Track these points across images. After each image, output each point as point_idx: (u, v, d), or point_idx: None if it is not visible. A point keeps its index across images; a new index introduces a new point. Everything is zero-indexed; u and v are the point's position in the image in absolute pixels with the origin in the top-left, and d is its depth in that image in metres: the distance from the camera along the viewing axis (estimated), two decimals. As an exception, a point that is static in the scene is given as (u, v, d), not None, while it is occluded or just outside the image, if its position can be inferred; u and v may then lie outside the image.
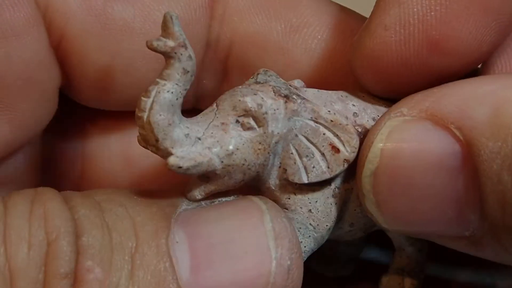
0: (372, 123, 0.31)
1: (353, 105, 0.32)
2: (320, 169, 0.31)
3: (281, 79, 0.32)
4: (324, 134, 0.30)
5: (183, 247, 0.28)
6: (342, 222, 0.32)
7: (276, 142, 0.30)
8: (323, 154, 0.31)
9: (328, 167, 0.30)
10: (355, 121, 0.31)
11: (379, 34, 0.31)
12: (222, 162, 0.30)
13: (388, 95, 0.33)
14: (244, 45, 0.36)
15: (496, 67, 0.33)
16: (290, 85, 0.31)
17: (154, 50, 0.29)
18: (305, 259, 0.31)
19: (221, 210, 0.30)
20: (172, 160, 0.29)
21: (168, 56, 0.29)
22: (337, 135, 0.30)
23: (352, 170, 0.31)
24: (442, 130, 0.27)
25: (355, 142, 0.30)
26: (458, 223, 0.27)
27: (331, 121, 0.31)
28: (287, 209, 0.31)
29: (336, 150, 0.30)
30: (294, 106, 0.30)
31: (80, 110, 0.37)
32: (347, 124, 0.30)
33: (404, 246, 0.34)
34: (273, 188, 0.31)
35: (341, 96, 0.32)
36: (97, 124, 0.38)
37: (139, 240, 0.27)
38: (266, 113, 0.30)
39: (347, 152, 0.30)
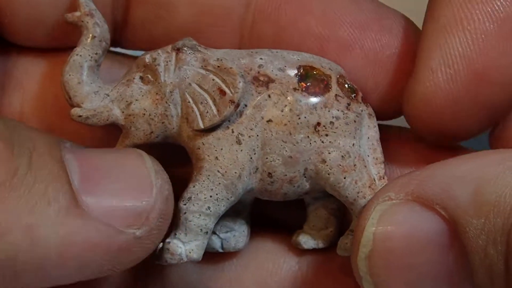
0: (278, 72, 0.34)
1: (261, 59, 0.34)
2: (211, 113, 0.33)
3: (196, 44, 0.34)
4: (213, 80, 0.33)
5: (74, 164, 0.29)
6: (260, 173, 0.34)
7: (171, 91, 0.33)
8: (213, 99, 0.33)
9: (218, 110, 0.33)
10: (258, 71, 0.34)
11: (427, 77, 0.33)
12: (123, 112, 0.33)
13: (442, 139, 0.34)
14: None
15: None
16: (198, 45, 0.34)
17: (67, 21, 0.34)
18: (224, 208, 0.33)
19: (105, 150, 0.32)
20: (73, 110, 0.33)
21: (77, 25, 0.34)
22: (224, 79, 0.33)
23: (254, 116, 0.33)
24: (428, 211, 0.29)
25: (238, 82, 0.33)
26: None
27: (218, 66, 0.33)
28: (198, 158, 0.33)
29: (223, 93, 0.33)
30: (183, 56, 0.33)
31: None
32: (231, 67, 0.33)
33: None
34: (186, 140, 0.34)
35: (251, 52, 0.34)
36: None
37: (36, 146, 0.29)
38: (158, 64, 0.33)
39: (231, 93, 0.33)
